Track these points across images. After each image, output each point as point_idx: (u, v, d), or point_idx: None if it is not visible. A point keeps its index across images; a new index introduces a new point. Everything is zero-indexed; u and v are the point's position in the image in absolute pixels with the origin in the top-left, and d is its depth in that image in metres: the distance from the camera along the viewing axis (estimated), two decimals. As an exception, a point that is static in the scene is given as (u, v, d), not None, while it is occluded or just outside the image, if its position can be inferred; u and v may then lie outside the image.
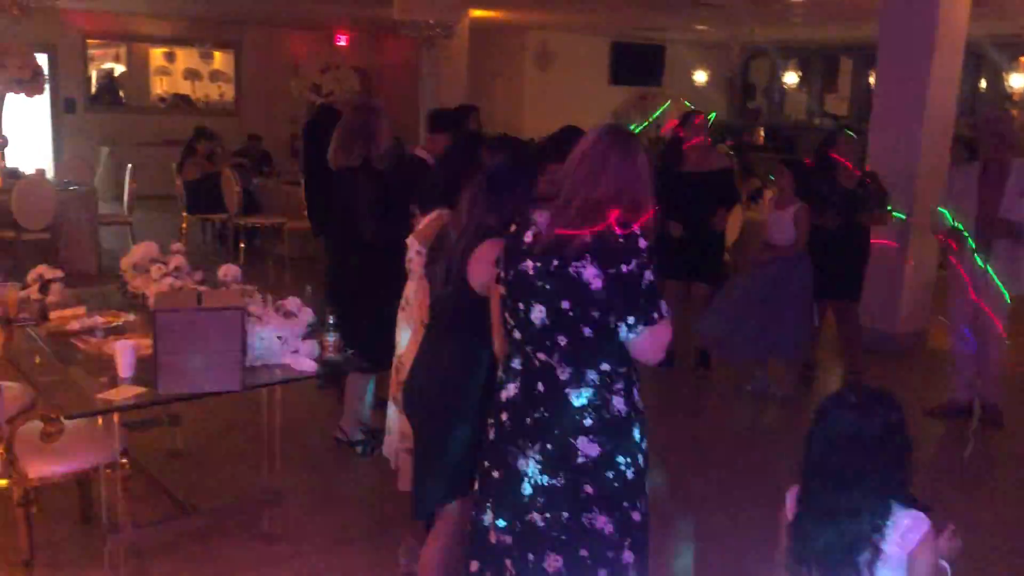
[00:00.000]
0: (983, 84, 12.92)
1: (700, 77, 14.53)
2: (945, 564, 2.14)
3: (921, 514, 2.05)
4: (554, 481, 2.32)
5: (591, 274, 2.21)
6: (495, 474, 2.44)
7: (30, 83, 8.15)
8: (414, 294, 3.46)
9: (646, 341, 2.27)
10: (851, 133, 5.97)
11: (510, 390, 2.41)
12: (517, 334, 2.38)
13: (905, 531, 2.02)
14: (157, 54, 14.70)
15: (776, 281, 5.49)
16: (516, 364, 2.41)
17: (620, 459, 2.32)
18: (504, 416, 2.42)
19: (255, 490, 3.96)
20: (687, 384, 6.05)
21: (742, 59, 15.25)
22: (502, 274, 2.41)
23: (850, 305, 5.86)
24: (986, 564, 3.73)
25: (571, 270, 2.23)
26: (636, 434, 2.36)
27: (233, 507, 4.00)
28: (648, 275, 2.23)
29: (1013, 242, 5.02)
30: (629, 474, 2.33)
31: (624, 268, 2.21)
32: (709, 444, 5.10)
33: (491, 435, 2.47)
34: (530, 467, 2.34)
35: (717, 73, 14.99)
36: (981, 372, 5.37)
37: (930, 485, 4.33)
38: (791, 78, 14.68)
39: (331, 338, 3.45)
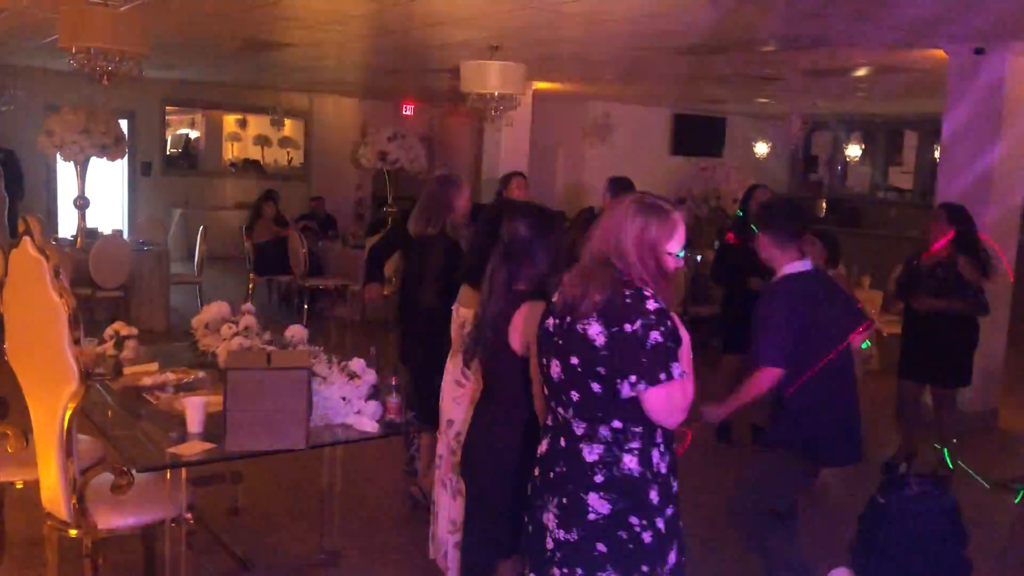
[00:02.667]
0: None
1: (761, 149, 14.55)
2: None
3: None
4: (569, 536, 2.35)
5: (595, 331, 2.28)
6: (529, 528, 2.51)
7: (112, 148, 8.54)
8: (454, 362, 3.48)
9: (654, 401, 2.28)
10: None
11: (543, 446, 2.49)
12: (546, 390, 2.48)
13: None
14: (230, 120, 15.28)
15: None
16: (548, 420, 2.49)
17: (634, 520, 2.32)
18: (536, 471, 2.49)
19: (314, 550, 3.99)
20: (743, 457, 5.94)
21: (804, 131, 15.25)
22: (536, 333, 2.52)
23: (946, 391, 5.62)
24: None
25: (579, 327, 2.31)
26: (654, 496, 2.35)
27: (291, 566, 4.03)
28: (655, 335, 2.25)
29: None
30: (646, 537, 2.33)
31: (628, 327, 2.25)
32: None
33: (529, 490, 2.54)
34: (550, 521, 2.39)
35: (778, 145, 15.00)
36: None
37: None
38: (854, 150, 14.61)
39: (394, 400, 3.50)
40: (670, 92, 12.27)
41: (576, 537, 2.34)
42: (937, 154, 7.93)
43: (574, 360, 2.33)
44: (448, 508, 3.50)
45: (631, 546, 2.32)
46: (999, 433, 6.66)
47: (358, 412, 3.44)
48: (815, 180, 15.67)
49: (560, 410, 2.41)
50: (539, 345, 2.47)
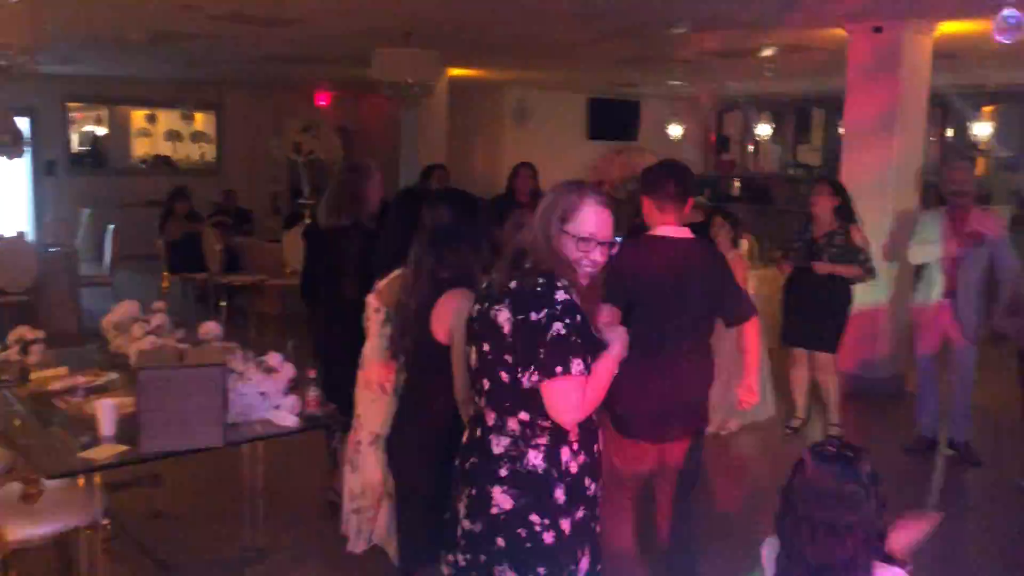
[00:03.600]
0: (950, 133, 13.21)
1: (675, 131, 14.78)
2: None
3: (899, 570, 2.05)
4: (474, 527, 2.31)
5: (503, 318, 2.22)
6: (447, 515, 2.47)
7: (10, 147, 8.21)
8: (371, 352, 3.43)
9: (548, 395, 2.18)
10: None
11: (465, 435, 2.44)
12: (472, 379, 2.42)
13: None
14: (139, 116, 14.82)
15: None
16: (472, 410, 2.44)
17: (535, 518, 2.23)
18: (457, 460, 2.44)
19: (238, 549, 3.93)
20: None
21: (716, 112, 15.54)
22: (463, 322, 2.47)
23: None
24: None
25: (491, 313, 2.26)
26: (559, 496, 2.25)
27: (216, 566, 3.97)
28: (558, 327, 2.15)
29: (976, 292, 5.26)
30: (547, 537, 2.23)
31: (533, 316, 2.17)
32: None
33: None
34: (462, 511, 2.36)
35: (692, 127, 15.26)
36: (950, 410, 5.51)
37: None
38: (764, 130, 14.95)
39: (313, 393, 3.47)
40: (585, 77, 12.37)
41: (480, 529, 2.30)
42: (841, 131, 8.17)
43: (486, 347, 2.28)
44: (348, 481, 3.49)
45: (529, 545, 2.24)
46: (909, 397, 6.93)
47: (277, 407, 3.40)
48: (728, 159, 16.00)
49: (477, 399, 2.36)
50: (466, 333, 2.43)
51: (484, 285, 2.41)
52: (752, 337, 3.55)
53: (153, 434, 2.98)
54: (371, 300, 3.43)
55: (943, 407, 5.61)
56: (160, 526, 4.31)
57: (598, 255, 2.28)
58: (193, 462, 3.95)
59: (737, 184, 15.22)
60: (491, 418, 2.31)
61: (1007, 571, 4.27)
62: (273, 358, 3.58)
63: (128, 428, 3.06)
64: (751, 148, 15.76)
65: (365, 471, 3.39)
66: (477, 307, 2.36)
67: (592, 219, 2.27)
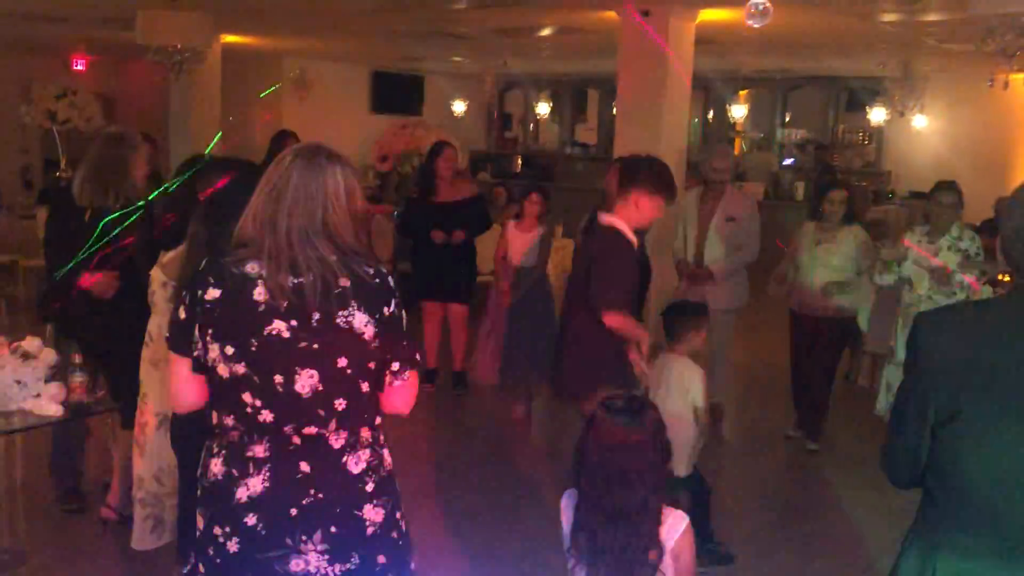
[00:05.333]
0: (711, 115, 14.22)
1: (459, 107, 14.91)
2: None
3: (681, 512, 2.22)
4: (349, 565, 2.02)
5: (361, 322, 1.96)
6: None
7: None
8: (158, 329, 3.24)
9: (409, 387, 2.08)
10: None
11: (253, 487, 1.98)
12: (268, 415, 1.96)
13: (669, 529, 2.19)
14: None
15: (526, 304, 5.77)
16: (259, 452, 1.99)
17: (397, 515, 2.14)
18: (252, 520, 1.98)
19: (-6, 552, 3.59)
20: (449, 400, 6.23)
21: (498, 90, 15.81)
22: (229, 350, 1.94)
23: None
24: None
25: (339, 321, 1.94)
26: (396, 483, 2.18)
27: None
28: (404, 315, 2.06)
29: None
30: (404, 526, 2.17)
31: (387, 310, 2.00)
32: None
33: (232, 548, 1.99)
34: (313, 563, 1.99)
35: (475, 103, 15.45)
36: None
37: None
38: (543, 108, 15.40)
39: (79, 378, 3.22)
40: (368, 49, 12.19)
41: (357, 561, 2.03)
42: (615, 111, 8.57)
43: (342, 362, 1.96)
44: (137, 466, 3.30)
45: (401, 543, 2.14)
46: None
47: (37, 396, 3.13)
48: (511, 137, 16.36)
49: (310, 429, 1.98)
50: (261, 361, 1.94)
51: (257, 296, 1.94)
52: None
53: None
54: (155, 274, 3.22)
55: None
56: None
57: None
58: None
59: (520, 161, 15.61)
60: (341, 439, 2.01)
61: (772, 507, 4.73)
62: (31, 343, 3.29)
63: None
64: (532, 126, 16.21)
65: (161, 454, 3.19)
66: (290, 323, 1.93)
67: (360, 192, 2.09)
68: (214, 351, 1.96)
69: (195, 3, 7.33)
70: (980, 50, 4.77)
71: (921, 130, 11.99)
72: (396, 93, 14.67)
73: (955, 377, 1.63)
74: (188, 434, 2.78)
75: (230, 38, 10.62)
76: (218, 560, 2.01)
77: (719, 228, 5.70)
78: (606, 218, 3.74)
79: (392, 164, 12.49)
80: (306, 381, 1.95)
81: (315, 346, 1.93)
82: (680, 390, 3.77)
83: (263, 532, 1.97)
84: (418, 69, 14.65)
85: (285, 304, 1.92)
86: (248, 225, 1.99)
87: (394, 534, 2.11)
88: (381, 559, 2.07)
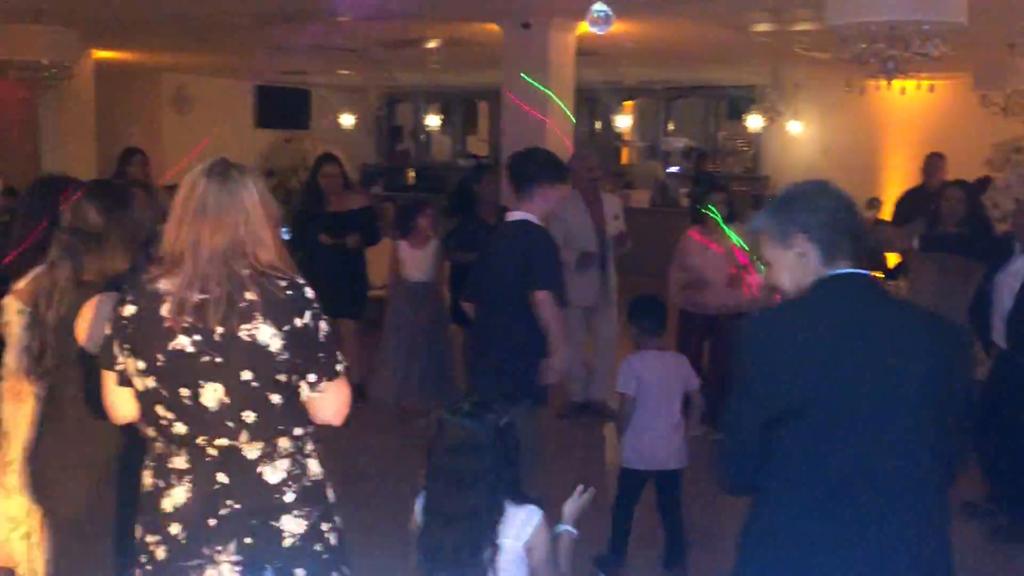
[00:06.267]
0: (599, 125, 14.47)
1: (347, 120, 14.75)
2: (572, 529, 2.33)
3: (533, 507, 2.24)
4: None
5: (267, 335, 1.98)
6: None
7: None
8: (16, 361, 3.04)
9: (332, 398, 2.11)
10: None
11: (177, 496, 2.05)
12: (181, 427, 2.03)
13: (520, 525, 2.21)
14: None
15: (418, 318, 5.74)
16: (180, 463, 2.06)
17: (325, 526, 2.13)
18: (176, 529, 2.05)
19: None
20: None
21: (387, 103, 15.71)
22: (141, 365, 2.03)
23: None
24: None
25: (243, 335, 1.97)
26: (331, 494, 2.19)
27: None
28: (323, 326, 2.07)
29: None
30: (333, 539, 2.16)
31: (298, 322, 2.02)
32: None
33: (161, 555, 2.07)
34: (225, 573, 2.03)
35: (363, 117, 15.31)
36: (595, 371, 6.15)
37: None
38: (434, 121, 15.40)
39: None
40: (250, 64, 11.94)
41: (271, 574, 2.04)
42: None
43: (247, 375, 1.99)
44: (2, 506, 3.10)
45: (326, 556, 2.12)
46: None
47: None
48: (402, 150, 16.28)
49: (222, 441, 2.03)
50: (169, 375, 2.01)
51: (165, 311, 2.00)
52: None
53: None
54: (9, 302, 3.01)
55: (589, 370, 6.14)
56: None
57: None
58: None
59: (412, 174, 15.54)
60: (255, 451, 2.04)
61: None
62: None
63: None
64: (423, 138, 16.16)
65: (26, 491, 2.99)
66: (195, 337, 1.98)
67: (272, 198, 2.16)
68: (131, 366, 2.06)
69: (60, 18, 7.03)
70: (837, 58, 5.00)
71: (796, 136, 12.47)
72: (281, 107, 14.43)
73: (792, 376, 1.67)
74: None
75: (103, 53, 10.26)
76: (149, 567, 2.10)
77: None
78: (516, 215, 3.81)
79: (276, 180, 12.26)
80: (211, 395, 2.00)
81: (218, 360, 1.99)
82: None
83: (184, 542, 2.05)
84: (303, 83, 14.44)
85: (189, 320, 1.98)
86: (169, 245, 2.04)
87: (317, 547, 2.10)
88: (300, 573, 2.07)
